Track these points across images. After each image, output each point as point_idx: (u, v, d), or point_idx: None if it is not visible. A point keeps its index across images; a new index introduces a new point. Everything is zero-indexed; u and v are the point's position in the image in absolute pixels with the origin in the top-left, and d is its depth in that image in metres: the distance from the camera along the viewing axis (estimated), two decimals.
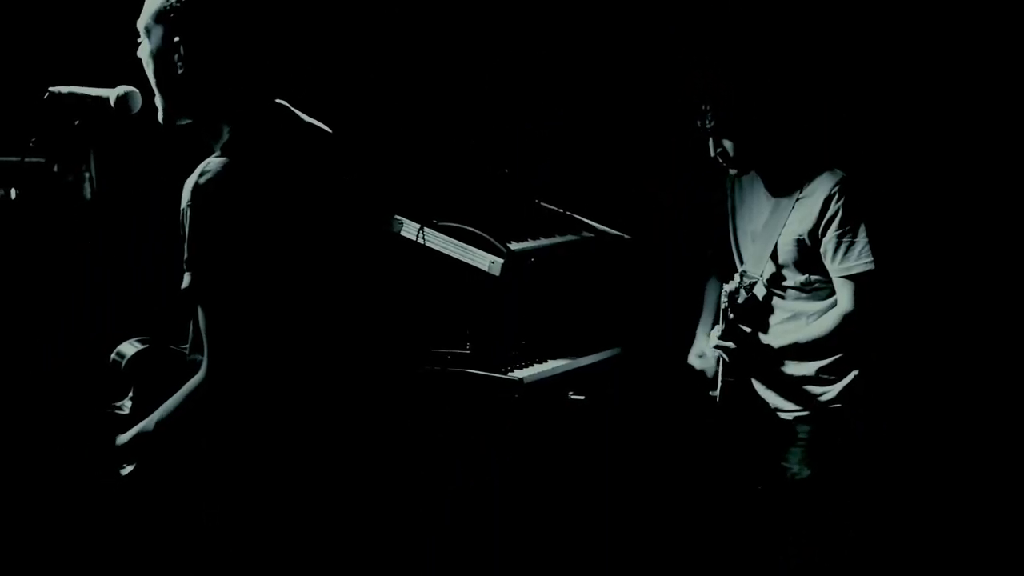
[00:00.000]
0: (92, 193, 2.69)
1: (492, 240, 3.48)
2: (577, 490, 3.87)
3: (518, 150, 4.02)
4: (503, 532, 3.60)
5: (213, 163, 2.29)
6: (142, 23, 2.38)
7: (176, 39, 2.33)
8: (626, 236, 3.81)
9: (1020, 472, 3.95)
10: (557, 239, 3.82)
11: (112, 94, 2.54)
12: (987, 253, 3.96)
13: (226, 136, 2.38)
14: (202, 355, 2.31)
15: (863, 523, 3.71)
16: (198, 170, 2.29)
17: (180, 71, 2.35)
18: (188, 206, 2.26)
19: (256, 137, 2.36)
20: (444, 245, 3.49)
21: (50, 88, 2.56)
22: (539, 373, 3.54)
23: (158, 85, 2.40)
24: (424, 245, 3.48)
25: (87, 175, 2.67)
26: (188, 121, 2.43)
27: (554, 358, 3.67)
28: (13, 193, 2.86)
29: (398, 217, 3.51)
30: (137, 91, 2.53)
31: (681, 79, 3.37)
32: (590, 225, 3.85)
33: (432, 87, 4.05)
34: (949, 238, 3.97)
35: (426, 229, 3.48)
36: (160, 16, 2.34)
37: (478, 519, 3.56)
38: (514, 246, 3.57)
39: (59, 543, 2.80)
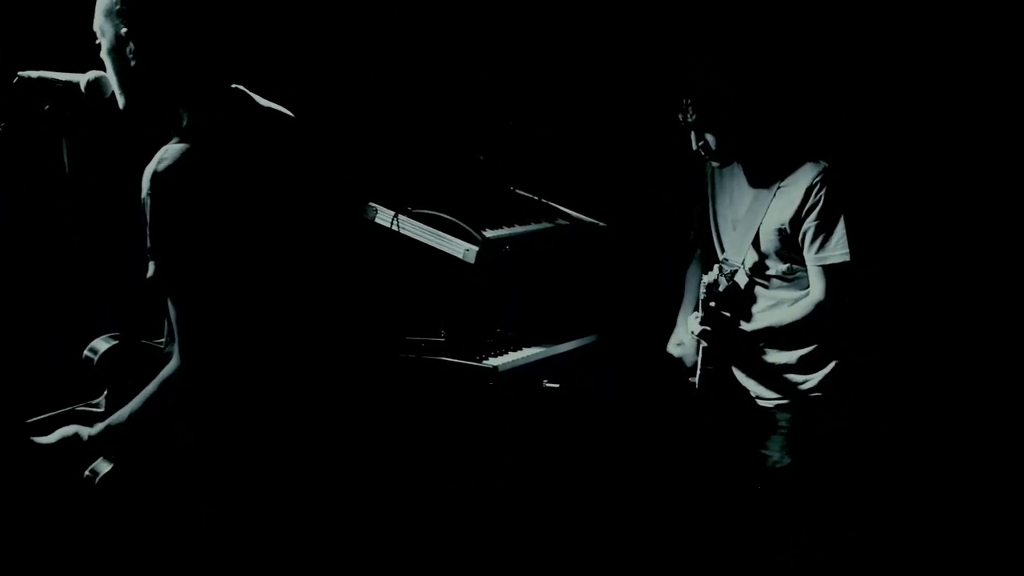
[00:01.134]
0: (65, 178, 2.68)
1: (467, 227, 3.47)
2: (569, 486, 3.86)
3: (518, 150, 4.02)
4: (480, 530, 3.60)
5: (171, 150, 2.31)
6: (96, 24, 2.42)
7: (124, 32, 2.36)
8: (601, 223, 3.81)
9: (1020, 471, 3.95)
10: (532, 227, 3.81)
11: (82, 79, 2.55)
12: (987, 252, 3.96)
13: (184, 122, 2.39)
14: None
15: (863, 523, 3.73)
16: (156, 157, 2.30)
17: (134, 64, 2.38)
18: (148, 194, 2.27)
19: (214, 122, 2.37)
20: (419, 232, 3.48)
21: (19, 72, 2.55)
22: (514, 361, 3.54)
23: (118, 80, 2.43)
24: (399, 232, 3.47)
25: (63, 161, 2.66)
26: (150, 110, 2.44)
27: (529, 346, 3.67)
28: None
29: (372, 204, 3.50)
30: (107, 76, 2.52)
31: (681, 79, 3.36)
32: (565, 212, 3.85)
33: (418, 78, 4.03)
34: (950, 236, 3.97)
35: (400, 216, 3.47)
36: (108, 13, 2.38)
37: (459, 516, 3.56)
38: (489, 233, 3.56)
39: (43, 542, 2.78)
